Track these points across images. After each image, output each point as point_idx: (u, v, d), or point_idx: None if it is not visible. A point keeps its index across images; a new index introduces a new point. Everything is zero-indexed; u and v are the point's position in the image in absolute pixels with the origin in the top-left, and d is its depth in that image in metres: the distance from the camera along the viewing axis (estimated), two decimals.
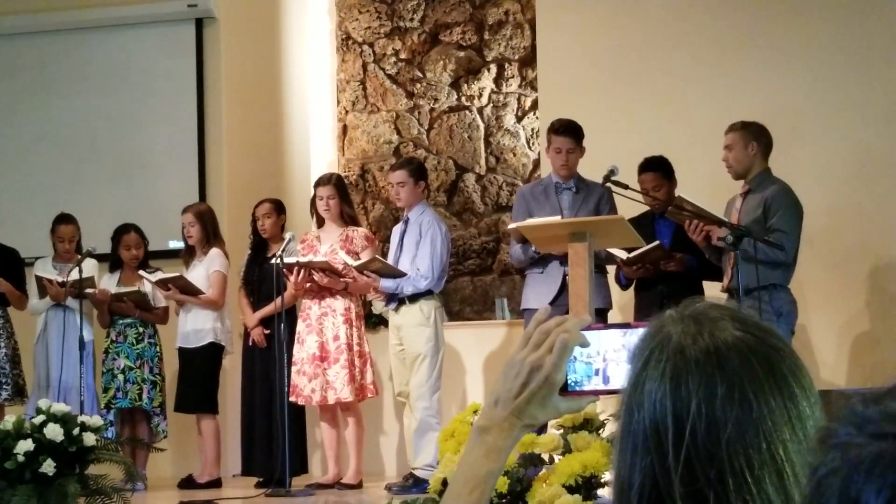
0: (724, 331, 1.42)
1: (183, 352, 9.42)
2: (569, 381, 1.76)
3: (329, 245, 8.96)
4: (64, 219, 9.71)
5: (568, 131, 8.25)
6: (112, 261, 9.71)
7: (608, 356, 1.77)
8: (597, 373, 1.77)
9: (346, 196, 9.18)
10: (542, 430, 7.09)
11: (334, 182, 9.12)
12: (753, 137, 7.65)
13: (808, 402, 1.41)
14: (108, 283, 9.60)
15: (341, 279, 8.78)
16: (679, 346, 1.42)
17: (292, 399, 8.83)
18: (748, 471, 1.36)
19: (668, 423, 1.38)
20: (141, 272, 9.46)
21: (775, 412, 1.38)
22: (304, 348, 8.86)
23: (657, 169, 8.34)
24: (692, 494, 1.37)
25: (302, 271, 8.76)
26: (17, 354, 9.54)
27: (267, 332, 9.20)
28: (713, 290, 8.06)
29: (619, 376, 1.75)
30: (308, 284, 8.83)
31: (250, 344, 9.30)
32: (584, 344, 1.75)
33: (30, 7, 10.98)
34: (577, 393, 1.77)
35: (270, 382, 9.02)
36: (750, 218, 7.51)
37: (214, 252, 9.43)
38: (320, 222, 9.16)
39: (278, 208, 9.47)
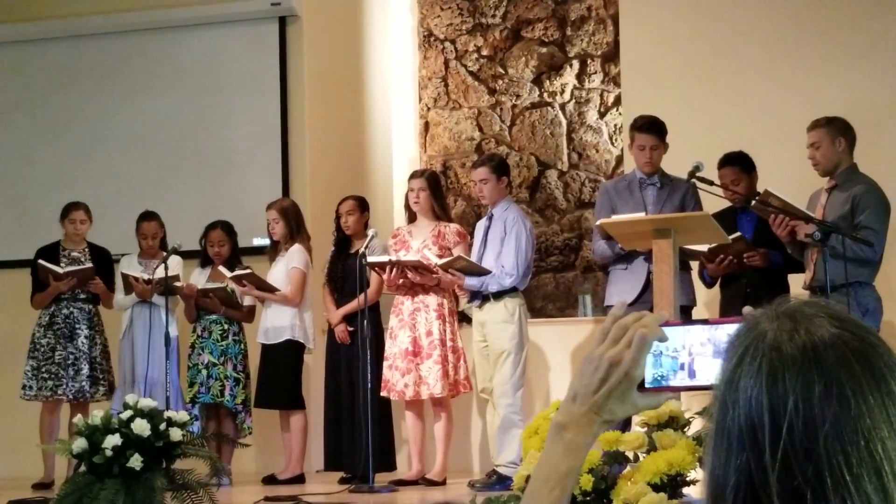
0: (821, 328, 1.41)
1: (264, 348, 9.49)
2: (654, 376, 1.75)
3: (421, 240, 8.97)
4: (147, 216, 9.83)
5: (651, 128, 8.19)
6: (202, 257, 9.80)
7: (694, 350, 1.77)
8: (682, 367, 1.77)
9: (438, 191, 9.18)
10: (626, 427, 7.06)
11: (427, 176, 9.15)
12: (840, 133, 7.56)
13: None
14: (198, 279, 9.70)
15: (433, 275, 8.79)
16: (775, 342, 1.40)
17: (384, 394, 8.87)
18: (846, 469, 1.34)
19: (764, 420, 1.37)
20: (221, 268, 9.53)
21: (874, 409, 1.36)
22: (397, 343, 8.88)
23: (736, 163, 8.28)
24: (789, 492, 1.35)
25: (394, 269, 8.77)
26: (107, 351, 9.69)
27: (351, 329, 9.22)
28: (798, 286, 7.98)
29: (705, 371, 1.75)
30: (401, 281, 8.85)
31: (337, 340, 9.33)
32: (663, 339, 1.74)
33: (114, 7, 11.10)
34: (656, 389, 1.77)
35: (355, 378, 9.04)
36: (836, 214, 7.43)
37: (295, 248, 9.47)
38: (412, 218, 9.17)
39: (362, 205, 9.49)
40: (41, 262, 9.43)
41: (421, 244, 8.95)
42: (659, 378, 1.76)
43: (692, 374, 1.76)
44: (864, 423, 1.36)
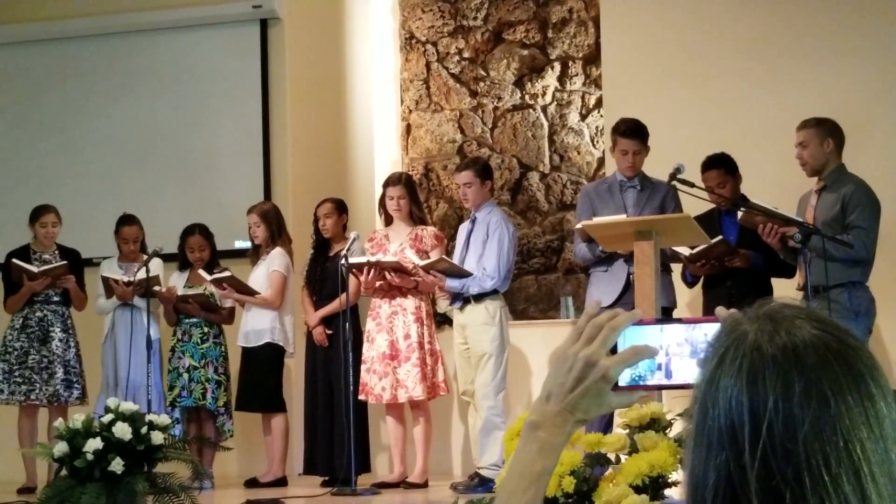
0: (802, 329, 1.41)
1: (244, 351, 9.48)
2: (632, 376, 1.76)
3: (399, 244, 8.98)
4: (127, 220, 9.79)
5: (634, 133, 8.20)
6: (181, 260, 9.78)
7: (671, 350, 1.77)
8: (659, 367, 1.78)
9: (415, 195, 9.19)
10: (608, 429, 7.07)
11: (404, 182, 9.13)
12: (829, 134, 7.59)
13: (885, 401, 1.40)
14: (177, 282, 9.67)
15: (412, 278, 8.79)
16: (756, 343, 1.41)
17: (362, 397, 8.86)
18: (825, 469, 1.34)
19: (744, 419, 1.37)
20: (200, 271, 9.51)
21: (853, 410, 1.37)
22: (374, 347, 8.88)
23: (720, 166, 8.28)
24: (767, 491, 1.35)
25: (372, 270, 8.77)
26: (79, 354, 9.62)
27: (329, 332, 9.22)
28: (782, 289, 8.00)
29: (682, 371, 1.76)
30: (378, 283, 8.84)
31: (315, 343, 9.33)
32: (654, 354, 1.75)
33: (96, 9, 11.08)
34: (629, 388, 1.77)
35: (333, 381, 9.04)
36: (827, 215, 7.45)
37: (276, 252, 9.47)
38: (388, 221, 9.17)
39: (339, 208, 9.49)
40: (15, 261, 9.37)
41: (398, 247, 8.95)
42: (637, 378, 1.77)
43: (669, 375, 1.77)
44: (844, 423, 1.36)
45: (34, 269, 9.35)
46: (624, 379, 1.76)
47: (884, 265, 8.39)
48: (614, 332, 1.73)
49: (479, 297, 8.63)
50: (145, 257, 9.37)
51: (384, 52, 11.46)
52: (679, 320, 1.82)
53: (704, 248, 7.81)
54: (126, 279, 9.44)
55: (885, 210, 7.79)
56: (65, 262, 9.50)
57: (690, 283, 8.47)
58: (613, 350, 1.74)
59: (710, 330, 1.67)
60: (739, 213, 7.70)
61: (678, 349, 1.77)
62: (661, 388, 1.80)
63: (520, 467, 1.74)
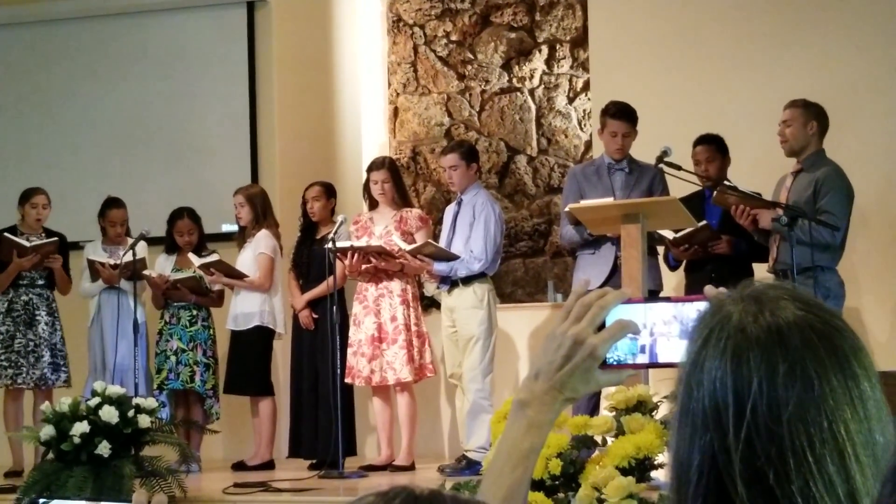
0: (786, 310, 1.41)
1: (233, 334, 9.46)
2: (609, 360, 1.75)
3: (384, 226, 8.96)
4: (113, 203, 9.75)
5: (624, 115, 8.20)
6: (168, 243, 9.75)
7: (656, 330, 1.76)
8: (643, 350, 1.76)
9: (399, 179, 9.18)
10: (594, 411, 7.08)
11: (388, 166, 9.13)
12: (814, 117, 7.62)
13: (870, 382, 1.40)
14: (165, 266, 9.65)
15: (397, 260, 8.79)
16: (740, 324, 1.41)
17: (348, 380, 8.85)
18: (809, 450, 1.34)
19: (728, 400, 1.37)
20: (190, 255, 9.49)
21: (837, 391, 1.37)
22: (362, 330, 8.87)
23: (712, 142, 8.31)
24: (752, 472, 1.36)
25: (356, 254, 8.76)
26: (63, 338, 9.59)
27: (315, 317, 9.22)
28: (762, 272, 8.01)
29: (668, 353, 1.74)
30: (363, 267, 8.83)
31: (302, 326, 9.33)
32: (636, 331, 1.74)
33: None
34: (617, 366, 1.76)
35: (319, 365, 9.04)
36: (800, 197, 7.49)
37: (262, 234, 9.43)
38: (373, 205, 9.16)
39: (328, 191, 9.48)
40: (7, 235, 9.32)
41: (383, 230, 8.94)
42: (615, 361, 1.76)
43: (654, 357, 1.76)
44: (828, 404, 1.36)
45: (26, 243, 9.29)
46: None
47: (867, 247, 8.43)
48: (603, 311, 1.73)
49: (468, 280, 8.63)
50: (130, 240, 9.36)
51: (371, 35, 11.44)
52: (668, 299, 1.81)
53: (688, 232, 7.83)
54: (112, 262, 9.41)
55: (868, 193, 7.82)
56: (55, 238, 9.45)
57: (673, 267, 8.50)
58: (601, 328, 1.74)
59: (701, 308, 1.67)
60: (715, 193, 7.73)
61: (664, 328, 1.76)
62: (648, 366, 1.80)
63: (508, 446, 1.75)
